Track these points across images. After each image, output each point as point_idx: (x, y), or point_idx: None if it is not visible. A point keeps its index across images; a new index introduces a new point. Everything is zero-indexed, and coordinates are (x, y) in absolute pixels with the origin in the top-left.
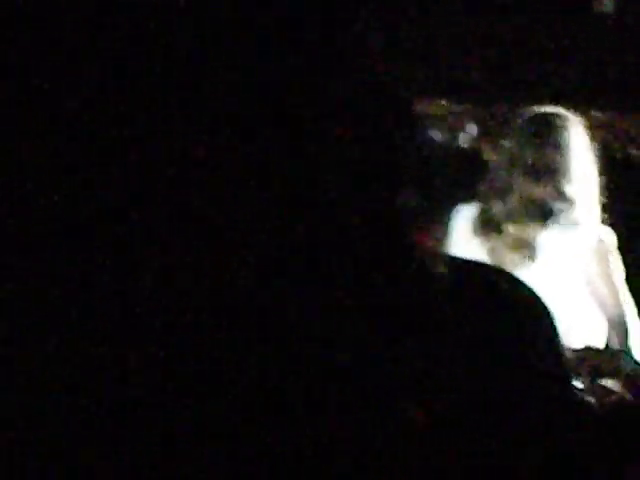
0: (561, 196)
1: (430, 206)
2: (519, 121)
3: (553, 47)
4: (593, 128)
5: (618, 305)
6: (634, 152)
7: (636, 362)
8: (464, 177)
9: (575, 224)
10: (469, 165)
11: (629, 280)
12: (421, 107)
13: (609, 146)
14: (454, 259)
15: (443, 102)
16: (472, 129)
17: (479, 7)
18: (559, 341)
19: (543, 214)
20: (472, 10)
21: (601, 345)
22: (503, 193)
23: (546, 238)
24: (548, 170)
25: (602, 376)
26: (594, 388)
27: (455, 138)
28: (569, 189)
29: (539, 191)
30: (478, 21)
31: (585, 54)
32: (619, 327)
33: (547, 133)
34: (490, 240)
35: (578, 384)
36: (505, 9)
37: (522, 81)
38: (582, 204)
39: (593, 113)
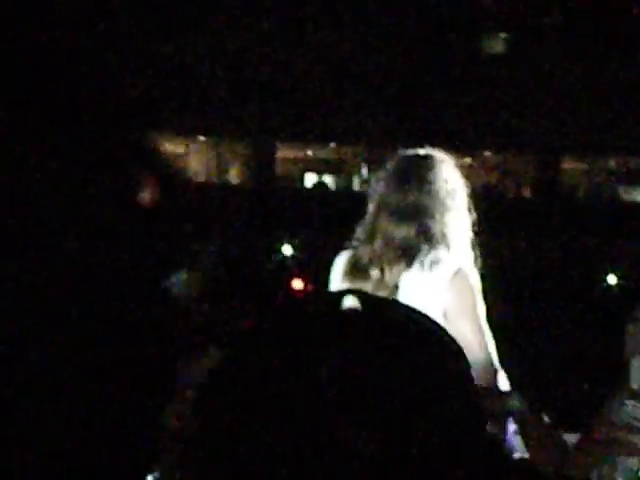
0: (424, 236)
1: (313, 252)
2: (388, 164)
3: (445, 89)
4: (484, 169)
5: (480, 343)
6: (526, 192)
7: (521, 404)
8: (353, 222)
9: (436, 263)
10: (359, 210)
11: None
12: (314, 151)
13: (499, 186)
14: (368, 299)
15: (332, 145)
16: (365, 173)
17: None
18: (471, 380)
19: (405, 255)
20: (354, 53)
21: None
22: (370, 237)
23: (408, 278)
24: (412, 211)
25: (490, 416)
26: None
27: (349, 182)
28: (433, 229)
29: (402, 232)
30: (366, 61)
31: (476, 95)
32: (483, 366)
33: (412, 175)
34: (356, 284)
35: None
36: (394, 52)
37: (414, 123)
38: (446, 242)
39: (485, 153)
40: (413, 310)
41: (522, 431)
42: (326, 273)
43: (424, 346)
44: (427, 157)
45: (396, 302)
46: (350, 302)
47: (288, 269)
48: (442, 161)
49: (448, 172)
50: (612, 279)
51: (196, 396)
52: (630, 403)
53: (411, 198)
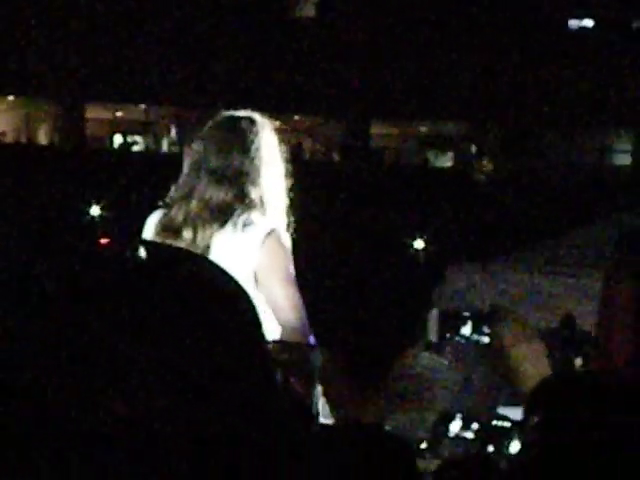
0: (241, 199)
1: (118, 213)
2: (208, 124)
3: (256, 52)
4: (294, 131)
5: (290, 304)
6: (334, 155)
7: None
8: (162, 183)
9: (249, 224)
10: (168, 171)
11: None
12: (122, 114)
13: (311, 150)
14: (158, 250)
15: (143, 106)
16: (174, 133)
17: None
18: (260, 331)
19: (219, 216)
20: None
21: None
22: (185, 197)
23: (220, 239)
24: (233, 175)
25: (294, 371)
26: (285, 384)
27: (158, 143)
28: (252, 194)
29: (220, 195)
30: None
31: (287, 59)
32: (293, 326)
33: (232, 136)
34: (167, 243)
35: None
36: (221, 14)
37: (226, 85)
38: (263, 206)
39: (297, 117)
40: (202, 259)
41: (325, 389)
42: (133, 233)
43: (201, 292)
44: (251, 120)
45: (182, 250)
46: (141, 252)
47: (96, 229)
48: (264, 125)
49: (269, 137)
50: (419, 244)
51: None
52: (424, 355)
53: (233, 162)
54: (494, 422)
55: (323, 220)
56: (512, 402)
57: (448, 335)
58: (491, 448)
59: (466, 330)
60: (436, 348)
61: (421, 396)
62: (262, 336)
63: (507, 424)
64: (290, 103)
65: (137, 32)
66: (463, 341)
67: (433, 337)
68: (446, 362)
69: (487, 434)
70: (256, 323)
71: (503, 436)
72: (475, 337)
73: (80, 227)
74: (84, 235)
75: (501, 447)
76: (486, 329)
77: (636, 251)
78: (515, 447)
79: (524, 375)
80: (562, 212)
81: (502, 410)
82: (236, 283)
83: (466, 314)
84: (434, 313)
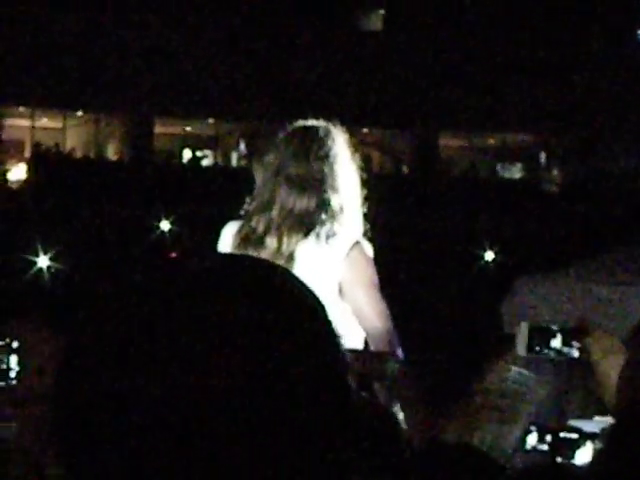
0: (323, 207)
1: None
2: (282, 134)
3: (323, 65)
4: (363, 144)
5: (377, 313)
6: (404, 168)
7: (402, 363)
8: (235, 195)
9: (333, 236)
10: (240, 183)
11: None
12: (192, 128)
13: (378, 161)
14: (226, 259)
15: (211, 121)
16: (243, 147)
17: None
18: (337, 341)
19: (304, 225)
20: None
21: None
22: (266, 207)
23: (304, 249)
24: (313, 182)
25: (370, 379)
26: (366, 394)
27: (227, 157)
28: (333, 202)
29: (302, 203)
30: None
31: (355, 73)
32: (381, 335)
33: (310, 144)
34: (249, 254)
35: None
36: (267, 29)
37: (294, 99)
38: (343, 215)
39: (365, 130)
40: (280, 269)
41: (397, 395)
42: (205, 247)
43: (279, 303)
44: (327, 129)
45: (261, 260)
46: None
47: (166, 244)
48: (339, 134)
49: (345, 145)
50: (489, 255)
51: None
52: (514, 369)
53: (313, 168)
54: (562, 434)
55: (392, 232)
56: (582, 415)
57: (537, 348)
58: (559, 459)
59: (556, 343)
60: (524, 362)
61: (509, 411)
62: (340, 347)
63: (575, 435)
64: (358, 116)
65: (206, 48)
66: (553, 355)
67: (522, 351)
68: (534, 376)
69: (557, 445)
70: (334, 335)
71: (573, 447)
72: (565, 350)
73: (150, 242)
74: (154, 250)
75: (569, 457)
76: (575, 343)
77: None
78: (582, 458)
79: (613, 388)
80: (633, 221)
81: (573, 423)
82: (313, 294)
83: (555, 327)
84: (523, 326)
